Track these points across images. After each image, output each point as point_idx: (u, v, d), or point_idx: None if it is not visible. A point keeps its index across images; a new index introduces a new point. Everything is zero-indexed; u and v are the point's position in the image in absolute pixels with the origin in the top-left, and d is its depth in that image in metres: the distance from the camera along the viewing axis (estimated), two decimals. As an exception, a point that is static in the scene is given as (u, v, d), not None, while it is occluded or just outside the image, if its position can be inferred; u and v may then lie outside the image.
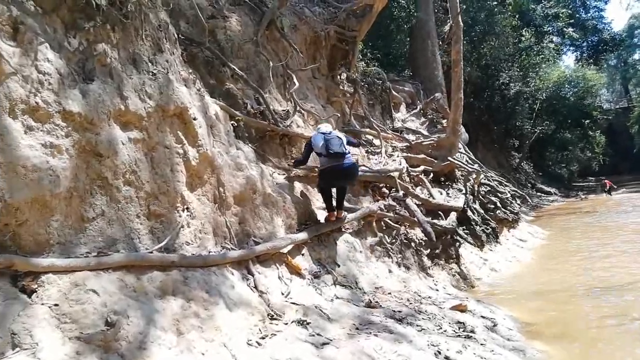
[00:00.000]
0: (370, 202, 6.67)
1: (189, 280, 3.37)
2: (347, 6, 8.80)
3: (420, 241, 7.02)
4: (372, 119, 9.17)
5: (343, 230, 5.58)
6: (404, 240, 6.49)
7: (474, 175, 10.24)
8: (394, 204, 6.66)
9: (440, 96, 15.19)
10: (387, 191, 7.00)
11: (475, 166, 10.95)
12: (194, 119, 4.14)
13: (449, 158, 9.83)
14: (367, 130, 8.84)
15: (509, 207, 11.49)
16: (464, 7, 20.28)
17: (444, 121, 15.78)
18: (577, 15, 31.12)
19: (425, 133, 11.94)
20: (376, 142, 8.83)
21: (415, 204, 7.24)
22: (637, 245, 9.02)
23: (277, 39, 7.20)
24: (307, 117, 6.95)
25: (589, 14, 33.10)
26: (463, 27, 22.02)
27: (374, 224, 6.20)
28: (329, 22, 8.51)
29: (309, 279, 4.51)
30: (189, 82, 4.47)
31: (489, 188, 11.60)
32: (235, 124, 5.25)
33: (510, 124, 27.81)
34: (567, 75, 38.03)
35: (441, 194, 9.16)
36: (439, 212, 7.95)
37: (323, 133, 5.29)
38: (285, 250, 4.48)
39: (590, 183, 38.05)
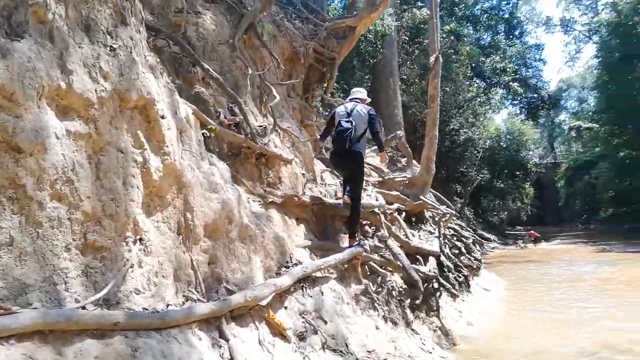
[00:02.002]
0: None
1: (141, 353, 2.20)
2: (329, 25, 8.06)
3: (401, 289, 6.11)
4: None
5: (328, 275, 4.55)
6: (389, 289, 5.54)
7: (445, 217, 9.59)
8: (380, 245, 5.73)
9: (401, 134, 14.82)
10: (369, 230, 6.09)
11: (444, 207, 10.36)
12: (162, 117, 3.03)
13: (421, 197, 9.15)
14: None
15: (473, 254, 10.95)
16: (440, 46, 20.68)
17: (403, 160, 15.38)
18: (520, 73, 32.92)
19: (386, 170, 11.32)
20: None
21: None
22: (612, 300, 8.66)
23: (256, 47, 6.24)
24: (283, 137, 5.96)
25: (529, 72, 35.25)
26: (420, 71, 22.44)
27: (359, 268, 5.22)
28: (308, 39, 7.69)
29: (294, 342, 3.42)
30: (157, 71, 3.37)
31: (453, 232, 11.04)
32: (207, 135, 4.17)
33: (456, 169, 28.30)
34: (507, 127, 39.95)
35: (413, 235, 8.38)
36: (417, 256, 7.12)
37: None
38: (265, 302, 3.38)
39: (522, 232, 39.52)
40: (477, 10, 34.73)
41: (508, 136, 37.33)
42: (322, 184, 6.46)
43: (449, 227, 10.82)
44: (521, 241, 28.53)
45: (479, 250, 12.46)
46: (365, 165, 5.73)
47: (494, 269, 15.43)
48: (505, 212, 43.47)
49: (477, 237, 14.39)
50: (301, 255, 4.55)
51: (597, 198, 42.64)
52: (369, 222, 6.20)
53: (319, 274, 4.37)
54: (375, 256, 5.54)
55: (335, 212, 5.63)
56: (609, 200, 40.44)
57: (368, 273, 5.43)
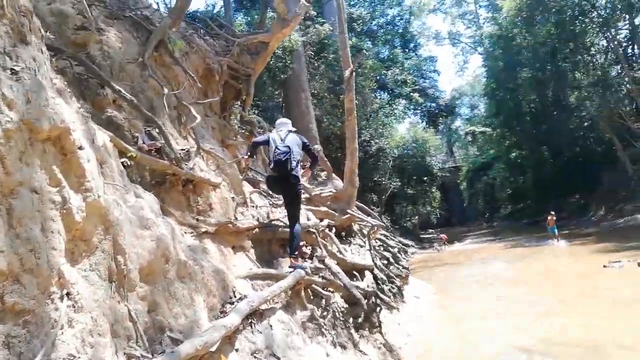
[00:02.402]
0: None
1: None
2: (241, 40, 7.79)
3: (343, 309, 5.94)
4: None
5: (274, 305, 4.24)
6: (334, 311, 5.34)
7: (372, 229, 9.66)
8: (320, 265, 5.52)
9: (319, 148, 14.84)
10: (307, 251, 5.86)
11: (370, 219, 10.44)
12: (80, 147, 2.59)
13: (349, 211, 9.13)
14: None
15: (400, 262, 11.15)
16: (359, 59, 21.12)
17: (322, 174, 15.43)
18: (418, 84, 34.94)
19: (308, 186, 11.22)
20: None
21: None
22: (544, 294, 9.22)
23: (167, 64, 5.81)
24: (207, 159, 5.58)
25: (426, 83, 37.57)
26: (328, 85, 22.84)
27: (302, 292, 4.96)
28: (222, 55, 7.37)
29: (252, 387, 3.08)
30: (66, 95, 2.91)
31: (380, 242, 11.19)
32: (127, 164, 3.71)
33: (370, 179, 29.13)
34: (411, 136, 42.16)
35: (345, 250, 8.30)
36: (354, 271, 7.02)
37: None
38: (215, 347, 3.01)
39: (434, 235, 41.55)
40: (374, 25, 36.51)
41: (413, 144, 39.33)
42: (253, 207, 6.14)
43: (377, 238, 10.95)
44: (436, 244, 29.95)
45: (404, 258, 12.76)
46: None
47: (418, 275, 15.92)
48: (417, 217, 45.57)
49: (400, 245, 14.74)
50: (244, 287, 4.20)
51: (496, 197, 46.14)
52: (305, 243, 5.98)
53: (265, 306, 4.06)
54: (317, 278, 5.32)
55: (272, 235, 5.35)
56: (506, 197, 43.88)
57: (311, 297, 5.19)
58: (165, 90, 5.04)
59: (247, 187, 6.65)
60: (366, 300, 6.36)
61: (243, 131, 8.17)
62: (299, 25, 17.34)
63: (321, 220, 8.10)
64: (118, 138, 4.00)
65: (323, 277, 5.47)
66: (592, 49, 28.04)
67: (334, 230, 8.48)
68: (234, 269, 4.37)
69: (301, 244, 5.86)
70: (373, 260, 8.22)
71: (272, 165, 5.24)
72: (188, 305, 3.16)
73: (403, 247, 15.03)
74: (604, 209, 26.35)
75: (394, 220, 39.20)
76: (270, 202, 7.26)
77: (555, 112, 31.99)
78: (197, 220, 4.27)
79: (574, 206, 30.32)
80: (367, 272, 7.21)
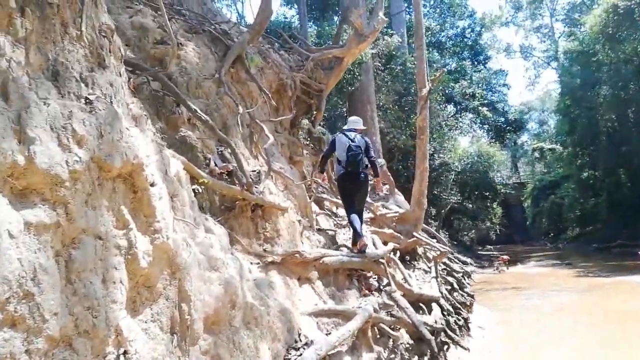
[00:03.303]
0: (357, 297, 5.06)
1: None
2: (316, 55, 7.54)
3: (408, 346, 5.49)
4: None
5: (340, 348, 3.88)
6: (402, 354, 4.91)
7: (438, 254, 9.07)
8: (390, 302, 5.10)
9: (383, 162, 14.40)
10: (375, 282, 5.47)
11: (436, 243, 9.86)
12: (152, 184, 2.37)
13: (415, 234, 8.63)
14: (335, 199, 7.37)
15: (465, 289, 10.47)
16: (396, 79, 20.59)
17: (384, 187, 14.97)
18: (486, 97, 33.58)
19: (369, 200, 10.84)
20: (342, 212, 7.36)
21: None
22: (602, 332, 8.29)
23: (243, 81, 5.64)
24: (276, 179, 5.34)
25: (494, 97, 36.10)
26: (394, 97, 22.31)
27: (369, 331, 4.58)
28: (295, 70, 7.15)
29: None
30: (142, 122, 2.71)
31: (443, 265, 10.55)
32: (197, 191, 3.51)
33: (430, 192, 28.25)
34: (475, 150, 40.67)
35: (410, 277, 7.81)
36: (420, 303, 6.54)
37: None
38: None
39: (494, 252, 39.73)
40: (443, 37, 35.59)
41: (477, 158, 37.89)
42: (320, 230, 5.83)
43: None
44: (497, 264, 28.47)
45: (468, 284, 12.02)
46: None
47: (478, 299, 15.03)
48: (475, 232, 43.89)
49: (464, 268, 13.95)
50: (309, 327, 3.88)
51: (563, 217, 43.58)
52: (372, 274, 5.59)
53: (331, 351, 3.71)
54: (384, 315, 4.91)
55: (339, 265, 5.00)
56: (575, 219, 41.41)
57: (378, 336, 4.79)
58: (241, 109, 4.85)
59: (313, 208, 6.36)
60: (434, 337, 5.86)
61: (311, 147, 7.92)
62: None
63: (385, 243, 7.67)
64: (190, 160, 3.82)
65: (391, 314, 5.04)
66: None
67: (398, 254, 8.02)
68: (299, 303, 4.07)
69: (367, 275, 5.48)
70: (439, 290, 7.67)
71: (343, 163, 5.36)
72: (253, 357, 2.87)
73: (467, 271, 14.22)
74: (684, 240, 24.03)
75: (452, 234, 37.92)
76: (335, 223, 6.93)
77: (637, 134, 29.70)
78: (265, 250, 4.01)
79: (650, 234, 27.95)
80: (434, 304, 6.68)
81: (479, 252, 38.32)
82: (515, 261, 29.21)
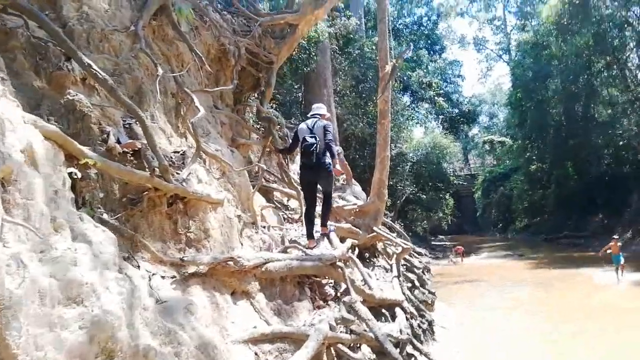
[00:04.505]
0: (310, 310, 4.09)
1: None
2: (265, 20, 6.44)
3: (369, 362, 4.60)
4: (289, 173, 6.67)
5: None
6: (364, 378, 4.00)
7: (400, 250, 8.21)
8: (347, 316, 4.13)
9: (340, 150, 13.49)
10: (331, 290, 4.52)
11: (398, 239, 9.05)
12: None
13: (375, 228, 7.76)
14: (286, 190, 6.34)
15: (426, 286, 9.76)
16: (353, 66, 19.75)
17: (341, 177, 14.10)
18: (441, 88, 33.50)
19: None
20: (294, 204, 6.37)
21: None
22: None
23: (169, 39, 4.49)
24: (210, 165, 4.27)
25: (449, 87, 36.18)
26: (353, 83, 21.48)
27: (324, 356, 3.62)
28: (240, 36, 6.03)
29: None
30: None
31: (404, 262, 9.80)
32: (76, 175, 2.41)
33: (388, 183, 27.77)
34: (429, 141, 40.78)
35: (370, 276, 6.95)
36: (382, 309, 5.68)
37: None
38: None
39: (446, 243, 40.05)
40: (400, 24, 35.14)
41: (431, 150, 37.91)
42: (264, 227, 4.81)
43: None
44: (451, 256, 28.45)
45: (428, 279, 11.36)
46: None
47: (439, 294, 14.50)
48: (427, 223, 44.20)
49: (423, 263, 13.32)
50: (244, 358, 2.88)
51: (512, 208, 44.67)
52: (328, 280, 4.64)
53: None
54: (344, 334, 3.96)
55: (287, 273, 4.01)
56: (523, 210, 42.56)
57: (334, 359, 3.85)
58: (160, 71, 3.71)
59: (258, 200, 5.33)
60: (398, 350, 5.00)
61: (259, 128, 6.85)
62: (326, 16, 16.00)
63: (343, 240, 6.75)
64: (80, 133, 2.72)
65: (350, 331, 4.11)
66: (628, 64, 26.47)
67: (356, 251, 7.14)
68: (232, 328, 3.06)
69: (323, 282, 4.52)
70: (402, 292, 6.87)
71: (301, 156, 5.21)
72: None
73: (427, 266, 13.61)
74: (631, 232, 24.81)
75: (406, 225, 37.84)
76: (286, 217, 5.94)
77: (584, 128, 30.40)
78: (182, 259, 2.95)
79: (595, 225, 28.78)
80: (397, 309, 5.84)
81: (432, 243, 38.58)
82: (468, 252, 29.42)
